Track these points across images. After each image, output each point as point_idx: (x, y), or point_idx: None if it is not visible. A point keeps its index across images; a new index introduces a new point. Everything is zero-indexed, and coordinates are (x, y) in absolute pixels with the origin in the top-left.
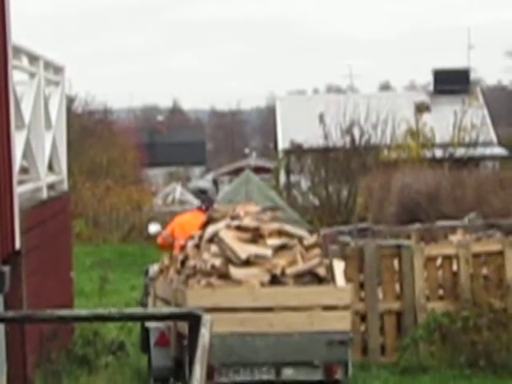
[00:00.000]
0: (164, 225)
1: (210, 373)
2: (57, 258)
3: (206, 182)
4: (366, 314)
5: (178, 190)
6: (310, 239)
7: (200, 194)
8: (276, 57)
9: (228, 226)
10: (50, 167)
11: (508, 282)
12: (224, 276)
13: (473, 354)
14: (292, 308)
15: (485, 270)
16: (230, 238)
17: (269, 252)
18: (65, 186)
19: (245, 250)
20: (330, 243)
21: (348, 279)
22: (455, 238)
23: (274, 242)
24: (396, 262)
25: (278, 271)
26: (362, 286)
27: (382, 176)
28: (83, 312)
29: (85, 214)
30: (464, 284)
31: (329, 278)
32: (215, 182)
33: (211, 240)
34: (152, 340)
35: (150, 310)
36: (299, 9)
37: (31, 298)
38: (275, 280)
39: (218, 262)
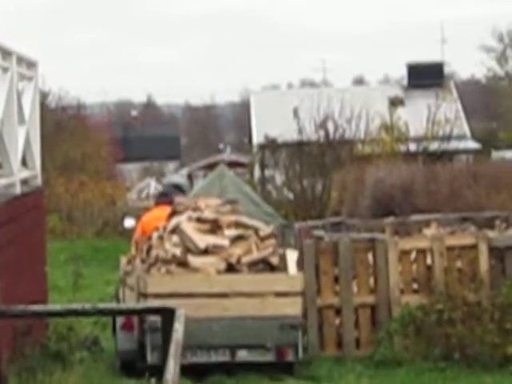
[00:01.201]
0: (138, 219)
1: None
2: (31, 253)
3: (180, 177)
4: (341, 307)
5: (152, 185)
6: (265, 230)
7: (173, 188)
8: (250, 51)
9: (189, 218)
10: (24, 162)
11: (481, 275)
12: (183, 264)
13: (447, 347)
14: (246, 294)
15: (459, 264)
16: (190, 229)
17: (226, 242)
18: (38, 182)
19: (203, 240)
20: (305, 237)
21: (323, 273)
22: (429, 231)
23: (231, 232)
24: (370, 256)
25: (233, 260)
26: (336, 279)
27: (356, 170)
28: (57, 307)
29: (59, 209)
30: (438, 277)
31: (281, 267)
32: (190, 177)
33: (173, 231)
34: (118, 324)
35: (124, 304)
36: (273, 2)
37: (5, 293)
38: (231, 268)
39: (178, 251)
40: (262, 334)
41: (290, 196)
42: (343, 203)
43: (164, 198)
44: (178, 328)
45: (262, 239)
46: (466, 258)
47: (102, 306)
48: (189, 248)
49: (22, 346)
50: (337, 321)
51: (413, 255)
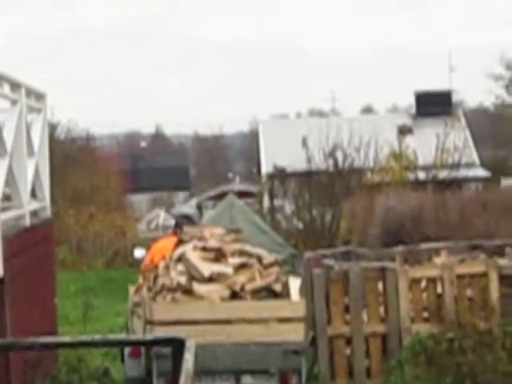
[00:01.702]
0: (148, 249)
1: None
2: (40, 285)
3: (189, 208)
4: (352, 336)
5: (161, 216)
6: (268, 258)
7: (183, 219)
8: (258, 81)
9: (194, 247)
10: (33, 194)
11: (492, 303)
12: (188, 292)
13: (458, 376)
14: (249, 320)
15: (469, 292)
16: (195, 257)
17: (230, 270)
18: (48, 213)
19: (208, 268)
20: (314, 267)
21: (333, 302)
22: (439, 259)
23: (235, 260)
24: (380, 285)
25: (237, 287)
26: (346, 309)
27: (365, 199)
28: (66, 338)
29: (69, 240)
30: (449, 306)
31: (284, 293)
32: (199, 207)
33: (179, 260)
34: (126, 352)
35: (134, 335)
36: (281, 33)
37: (15, 325)
38: (235, 295)
39: (183, 279)
40: (265, 360)
41: (300, 225)
42: (353, 232)
43: (177, 228)
44: (188, 358)
45: (266, 267)
46: (477, 286)
47: (111, 337)
48: (194, 276)
49: (32, 379)
50: (347, 350)
51: (423, 284)
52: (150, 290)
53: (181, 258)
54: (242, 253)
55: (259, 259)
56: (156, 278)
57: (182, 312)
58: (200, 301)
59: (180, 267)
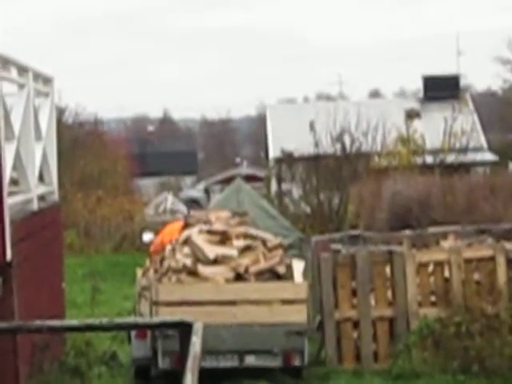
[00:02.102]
0: (156, 233)
1: (180, 360)
2: (48, 269)
3: (197, 192)
4: (359, 320)
5: (169, 200)
6: (272, 241)
7: (191, 203)
8: (265, 65)
9: (200, 230)
10: (41, 178)
11: (500, 287)
12: (193, 273)
13: (466, 360)
14: (253, 302)
15: (477, 276)
16: (200, 240)
17: (234, 252)
18: (55, 197)
19: (213, 251)
20: (322, 251)
21: (340, 286)
22: (447, 243)
23: (240, 243)
24: (388, 269)
25: (241, 269)
26: (354, 292)
27: (372, 183)
28: (74, 322)
29: (76, 224)
30: (456, 290)
31: (288, 276)
32: (207, 191)
33: (185, 242)
34: (132, 333)
35: (141, 319)
36: (288, 17)
37: (23, 309)
38: (239, 277)
39: (188, 261)
40: (269, 340)
41: (307, 210)
42: (360, 216)
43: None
44: (196, 341)
45: (270, 249)
46: (484, 270)
47: (119, 320)
48: (199, 258)
49: (40, 362)
50: (355, 334)
51: (430, 268)
52: (156, 271)
53: (187, 241)
54: (246, 236)
55: (263, 242)
56: (163, 260)
57: (187, 293)
58: (205, 282)
59: (186, 250)
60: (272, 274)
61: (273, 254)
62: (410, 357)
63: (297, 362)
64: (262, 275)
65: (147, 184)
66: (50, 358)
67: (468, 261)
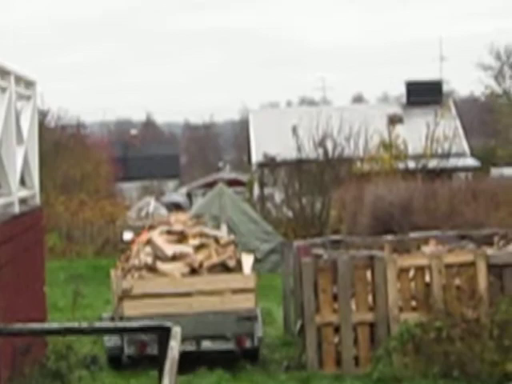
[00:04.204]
0: (138, 235)
1: (142, 347)
2: (30, 272)
3: (179, 196)
4: (340, 325)
5: (151, 204)
6: (225, 238)
7: (173, 207)
8: (249, 69)
9: (161, 232)
10: (22, 182)
11: (480, 292)
12: (153, 270)
13: (446, 365)
14: (207, 292)
15: (457, 281)
16: (160, 240)
17: (190, 250)
18: (37, 201)
19: (171, 249)
20: (304, 255)
21: (321, 291)
22: (428, 248)
23: (195, 241)
24: (369, 274)
25: (196, 264)
26: (335, 297)
27: (355, 188)
28: (54, 325)
29: (58, 228)
30: (437, 295)
31: (237, 268)
32: (189, 196)
33: (148, 243)
34: None
35: (121, 323)
36: (271, 20)
37: (4, 313)
38: (194, 271)
39: (149, 259)
40: (222, 326)
41: (289, 214)
42: (342, 221)
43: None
44: (174, 345)
45: (223, 246)
46: (465, 276)
47: (98, 324)
48: (158, 256)
49: (21, 366)
50: (336, 338)
51: (411, 273)
52: (123, 270)
53: (149, 241)
54: (201, 235)
55: (216, 240)
56: (128, 259)
57: (148, 287)
58: (163, 277)
59: (147, 249)
60: (223, 268)
61: (225, 250)
62: (390, 361)
63: (248, 345)
64: (214, 269)
65: (130, 188)
66: (30, 362)
67: (449, 266)
